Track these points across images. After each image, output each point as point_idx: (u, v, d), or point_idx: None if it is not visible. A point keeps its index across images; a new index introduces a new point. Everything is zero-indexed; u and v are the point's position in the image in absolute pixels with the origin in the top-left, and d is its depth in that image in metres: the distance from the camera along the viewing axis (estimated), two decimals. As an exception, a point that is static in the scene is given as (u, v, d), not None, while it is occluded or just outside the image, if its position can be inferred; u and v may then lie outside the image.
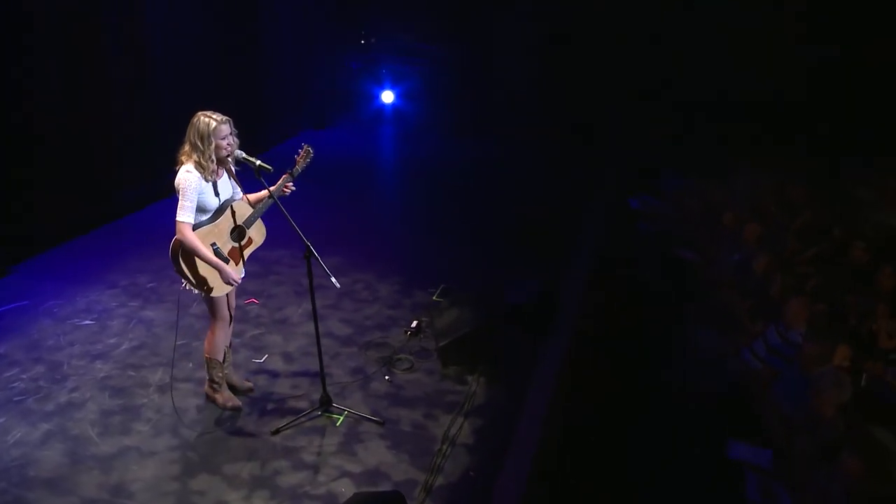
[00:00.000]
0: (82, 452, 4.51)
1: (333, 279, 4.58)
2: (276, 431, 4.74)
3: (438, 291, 6.75)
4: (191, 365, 5.47)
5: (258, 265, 7.08)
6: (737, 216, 8.05)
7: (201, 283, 4.42)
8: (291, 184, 4.71)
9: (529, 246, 8.01)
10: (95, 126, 7.80)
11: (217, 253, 4.48)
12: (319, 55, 12.17)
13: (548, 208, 9.38)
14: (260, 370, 5.49)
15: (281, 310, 6.38)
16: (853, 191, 9.20)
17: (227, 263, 4.53)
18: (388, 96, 13.26)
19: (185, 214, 4.28)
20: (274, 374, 5.45)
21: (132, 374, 5.35)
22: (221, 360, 4.90)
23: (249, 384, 5.23)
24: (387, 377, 5.45)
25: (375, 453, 4.63)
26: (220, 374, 4.92)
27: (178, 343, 5.69)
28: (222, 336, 4.84)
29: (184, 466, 4.43)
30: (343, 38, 12.83)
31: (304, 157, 4.79)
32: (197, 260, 4.36)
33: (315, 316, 4.79)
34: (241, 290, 6.57)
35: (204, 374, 5.15)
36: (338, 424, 4.87)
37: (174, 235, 4.39)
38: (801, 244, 7.60)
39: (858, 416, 4.95)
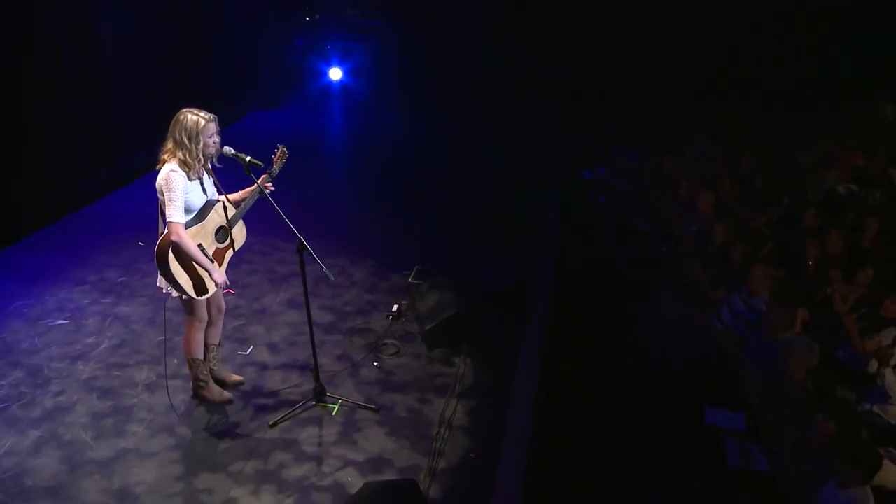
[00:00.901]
0: (79, 458, 4.42)
1: (326, 270, 4.57)
2: (274, 424, 4.73)
3: (413, 273, 6.77)
4: (175, 361, 5.38)
5: (229, 254, 6.98)
6: (692, 186, 8.27)
7: (190, 285, 4.33)
8: (270, 184, 4.66)
9: (496, 223, 8.10)
10: (47, 115, 7.47)
11: (203, 254, 4.41)
12: (267, 33, 11.88)
13: (510, 184, 9.46)
14: (247, 363, 5.44)
15: (259, 299, 6.31)
16: (796, 156, 9.56)
17: (212, 265, 4.47)
18: (335, 73, 13.05)
19: (177, 215, 4.18)
20: (262, 366, 5.41)
21: (117, 373, 5.23)
22: (203, 357, 4.83)
23: (239, 378, 5.18)
24: (375, 363, 5.48)
25: (375, 441, 4.67)
26: (205, 372, 4.86)
27: (160, 339, 5.64)
28: (199, 336, 4.74)
29: (186, 466, 4.39)
30: (289, 15, 12.54)
31: (280, 157, 4.78)
32: (189, 262, 4.27)
33: (308, 308, 4.78)
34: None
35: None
36: (334, 414, 4.89)
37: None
38: (753, 212, 7.88)
39: (826, 378, 5.25)
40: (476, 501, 4.22)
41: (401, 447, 4.63)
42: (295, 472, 4.38)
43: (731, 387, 5.65)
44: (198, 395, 4.91)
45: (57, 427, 4.66)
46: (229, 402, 4.91)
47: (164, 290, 4.50)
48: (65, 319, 5.88)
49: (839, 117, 10.17)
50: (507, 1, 12.05)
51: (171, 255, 4.22)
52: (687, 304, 6.79)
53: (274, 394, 5.10)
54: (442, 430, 4.78)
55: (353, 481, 4.30)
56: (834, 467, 4.32)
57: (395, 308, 6.08)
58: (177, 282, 4.27)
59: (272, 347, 5.65)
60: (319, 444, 4.61)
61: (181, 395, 5.01)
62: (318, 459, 4.48)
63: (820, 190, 8.66)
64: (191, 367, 4.81)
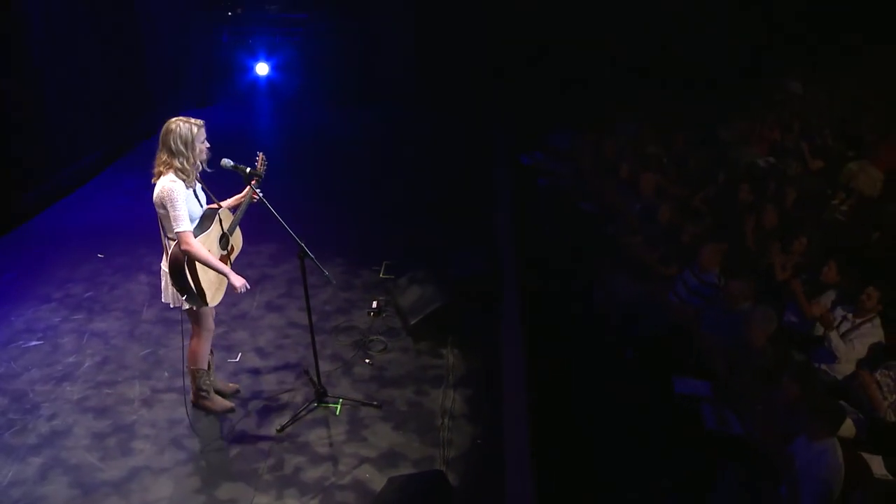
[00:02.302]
0: (90, 481, 4.32)
1: (328, 275, 4.64)
2: (282, 429, 4.75)
3: (383, 269, 6.84)
4: (166, 374, 5.31)
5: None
6: (632, 168, 8.64)
7: (204, 294, 4.29)
8: (259, 191, 4.65)
9: (451, 212, 8.24)
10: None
11: None
12: (193, 31, 11.53)
13: (456, 173, 9.61)
14: (238, 370, 5.41)
15: (236, 305, 6.23)
16: (718, 134, 10.14)
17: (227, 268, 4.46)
18: (262, 68, 12.78)
19: (184, 224, 4.13)
20: (254, 372, 5.40)
21: (108, 391, 5.11)
22: (206, 368, 4.81)
23: (235, 386, 5.17)
24: (367, 360, 5.55)
25: (384, 436, 4.77)
26: (207, 382, 4.84)
27: (144, 353, 5.56)
28: (207, 347, 4.73)
29: (203, 478, 4.37)
30: (214, 11, 12.19)
31: (261, 164, 4.73)
32: (204, 270, 4.23)
33: (309, 312, 4.83)
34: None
35: (183, 381, 5.09)
36: (337, 413, 4.95)
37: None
38: (689, 190, 8.33)
39: (783, 343, 5.68)
40: (492, 485, 4.39)
41: (409, 440, 4.74)
42: (312, 473, 4.43)
43: (694, 357, 6.03)
44: (200, 406, 4.87)
45: (58, 452, 4.54)
46: (231, 410, 4.90)
47: (171, 306, 4.45)
48: (38, 340, 5.66)
49: (753, 95, 10.86)
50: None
51: (186, 264, 4.16)
52: (640, 281, 7.14)
53: (273, 398, 5.11)
54: (445, 420, 4.93)
55: (373, 477, 4.40)
56: (802, 423, 4.72)
57: (374, 304, 6.16)
58: (193, 291, 4.21)
59: (260, 352, 5.63)
60: (331, 445, 4.67)
61: (180, 407, 4.95)
62: (333, 459, 4.54)
63: (741, 164, 9.25)
64: (194, 378, 4.77)
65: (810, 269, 6.51)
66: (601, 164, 9.33)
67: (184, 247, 4.12)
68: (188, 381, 5.03)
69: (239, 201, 4.63)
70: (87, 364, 5.39)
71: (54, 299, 6.23)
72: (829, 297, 6.11)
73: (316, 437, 4.72)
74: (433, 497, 3.87)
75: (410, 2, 12.18)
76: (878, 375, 5.37)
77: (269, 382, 5.28)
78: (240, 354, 5.57)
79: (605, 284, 7.04)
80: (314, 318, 6.00)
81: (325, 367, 5.46)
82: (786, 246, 6.72)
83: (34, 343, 5.62)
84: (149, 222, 7.61)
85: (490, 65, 12.12)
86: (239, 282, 4.35)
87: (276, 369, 5.43)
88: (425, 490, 3.92)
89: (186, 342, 5.56)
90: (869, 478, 4.60)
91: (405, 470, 4.45)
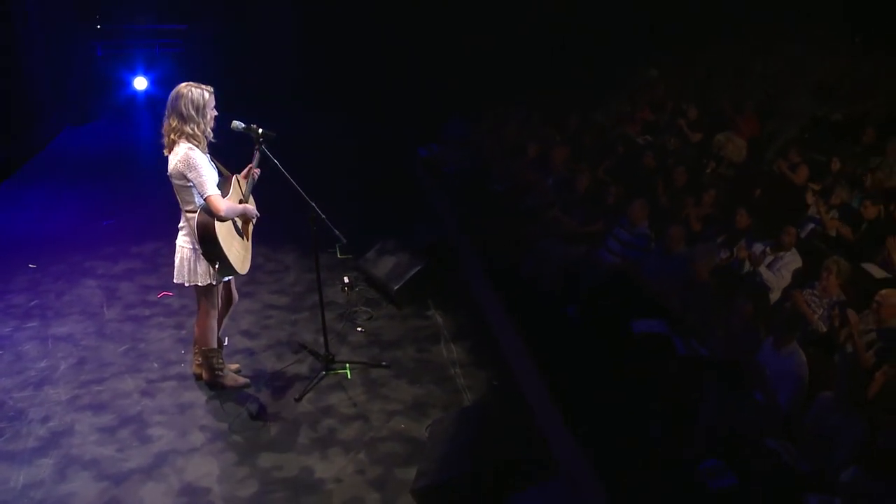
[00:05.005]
0: (116, 472, 3.94)
1: (339, 234, 4.54)
2: (300, 397, 4.58)
3: (338, 250, 6.72)
4: (156, 365, 4.94)
5: (140, 261, 6.46)
6: (539, 147, 9.06)
7: (238, 259, 4.10)
8: (258, 169, 4.49)
9: (382, 200, 8.25)
10: None
11: (235, 228, 4.20)
12: (68, 45, 10.68)
13: (367, 166, 9.62)
14: (232, 352, 5.11)
15: (203, 296, 5.89)
16: (594, 117, 10.83)
17: (243, 239, 4.26)
18: (140, 83, 12.04)
19: (212, 187, 3.96)
20: (250, 352, 5.15)
21: (99, 388, 4.67)
22: (216, 346, 4.56)
23: (235, 366, 4.90)
24: (359, 329, 5.46)
25: (403, 391, 4.72)
26: (220, 360, 4.58)
27: (123, 349, 5.17)
28: (213, 325, 4.48)
29: (238, 452, 4.12)
30: (84, 24, 11.35)
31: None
32: (233, 238, 4.03)
33: (318, 280, 4.72)
34: (145, 287, 6.02)
35: (177, 369, 4.86)
36: (349, 377, 4.84)
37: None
38: (590, 163, 8.85)
39: (723, 273, 6.21)
40: (522, 418, 4.50)
41: (429, 391, 4.73)
42: (349, 432, 4.31)
43: (643, 301, 6.41)
44: (216, 384, 4.59)
45: (68, 450, 4.10)
46: (247, 386, 4.66)
47: (186, 284, 4.19)
48: (-6, 351, 5.07)
49: (618, 79, 11.67)
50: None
51: (217, 229, 3.93)
52: (570, 244, 7.48)
53: (278, 373, 4.90)
54: (457, 370, 4.96)
55: (409, 427, 4.35)
56: (765, 335, 5.20)
57: (346, 280, 6.06)
58: (226, 258, 3.99)
59: (247, 334, 5.38)
60: (355, 405, 4.55)
61: (186, 392, 4.65)
62: (363, 417, 4.43)
63: (620, 142, 9.95)
64: (206, 357, 4.50)
65: (719, 220, 7.16)
66: (505, 147, 9.68)
67: (218, 210, 3.93)
68: (191, 368, 4.75)
69: (250, 170, 4.44)
70: (62, 367, 4.89)
71: (-4, 311, 5.59)
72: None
73: (338, 401, 4.59)
74: (489, 423, 3.91)
75: (289, 4, 11.97)
76: (805, 295, 6.02)
77: (268, 359, 5.06)
78: (227, 338, 5.26)
79: (537, 252, 7.32)
80: (287, 298, 5.94)
81: (320, 338, 5.29)
82: (696, 200, 7.35)
83: (-10, 354, 5.02)
84: (77, 230, 7.11)
85: (374, 61, 12.13)
86: (254, 212, 4.30)
87: (269, 347, 5.22)
88: (480, 419, 3.94)
89: (167, 333, 5.32)
90: (834, 371, 5.15)
91: (436, 416, 4.43)
